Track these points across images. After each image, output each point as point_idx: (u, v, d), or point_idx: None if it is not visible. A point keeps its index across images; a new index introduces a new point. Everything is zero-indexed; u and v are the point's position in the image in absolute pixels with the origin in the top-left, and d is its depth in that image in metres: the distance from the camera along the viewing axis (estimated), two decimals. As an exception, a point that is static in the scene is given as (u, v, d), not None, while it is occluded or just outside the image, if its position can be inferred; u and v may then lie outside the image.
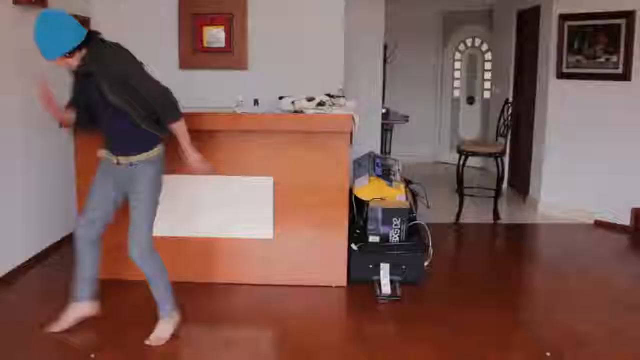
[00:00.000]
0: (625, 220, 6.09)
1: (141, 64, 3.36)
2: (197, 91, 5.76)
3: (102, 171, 3.59)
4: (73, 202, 4.46)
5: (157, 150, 3.48)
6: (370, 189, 4.65)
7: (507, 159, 7.24)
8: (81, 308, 3.68)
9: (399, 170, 5.26)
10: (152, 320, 3.85)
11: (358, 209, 4.82)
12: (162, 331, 3.59)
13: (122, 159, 3.43)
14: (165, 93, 3.37)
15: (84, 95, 3.41)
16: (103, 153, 3.54)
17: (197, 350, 3.52)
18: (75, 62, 3.24)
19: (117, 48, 3.30)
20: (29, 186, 4.71)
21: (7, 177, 4.42)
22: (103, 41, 3.31)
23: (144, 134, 3.38)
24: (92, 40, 3.24)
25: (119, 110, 3.27)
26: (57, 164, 5.08)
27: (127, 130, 3.36)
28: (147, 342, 3.53)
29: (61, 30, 3.16)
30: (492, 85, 8.99)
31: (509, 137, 6.87)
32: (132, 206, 3.53)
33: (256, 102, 4.79)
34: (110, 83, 3.22)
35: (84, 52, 3.22)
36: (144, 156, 3.42)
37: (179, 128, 3.43)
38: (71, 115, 3.52)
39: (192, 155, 3.52)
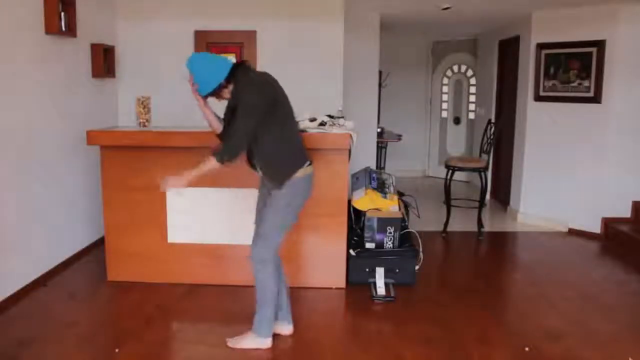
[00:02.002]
0: (596, 228, 6.13)
1: (258, 97, 3.13)
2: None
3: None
4: (99, 212, 4.50)
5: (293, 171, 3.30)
6: (366, 200, 4.68)
7: (489, 174, 7.27)
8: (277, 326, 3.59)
9: (392, 183, 5.28)
10: (171, 318, 3.90)
11: (355, 218, 4.84)
12: (243, 340, 3.45)
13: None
14: (234, 136, 3.13)
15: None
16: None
17: (207, 346, 3.53)
18: (226, 95, 3.22)
19: (252, 80, 3.18)
20: (61, 198, 4.75)
21: (41, 191, 4.46)
22: (247, 73, 3.20)
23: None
24: (238, 73, 3.16)
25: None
26: (87, 180, 5.14)
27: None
28: (228, 342, 3.46)
29: (201, 72, 3.14)
30: (476, 106, 9.02)
31: (492, 153, 6.90)
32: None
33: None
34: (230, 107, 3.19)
35: (230, 86, 3.18)
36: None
37: (208, 164, 3.17)
38: (219, 125, 3.42)
39: (176, 181, 3.31)
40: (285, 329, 3.62)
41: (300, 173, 3.28)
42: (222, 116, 3.41)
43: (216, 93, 3.21)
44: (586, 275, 4.95)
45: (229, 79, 3.15)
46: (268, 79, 3.25)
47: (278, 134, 3.24)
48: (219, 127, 3.44)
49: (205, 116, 3.40)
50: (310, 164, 3.36)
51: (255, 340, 3.43)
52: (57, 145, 4.69)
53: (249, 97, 3.10)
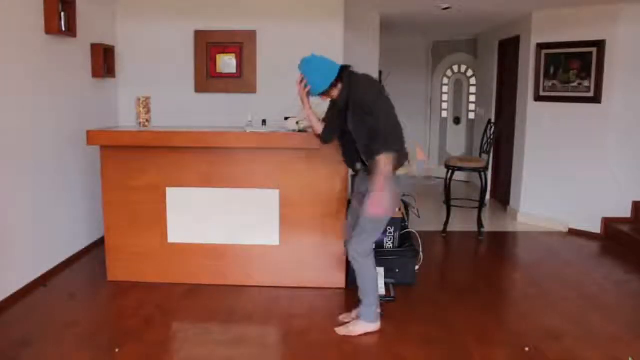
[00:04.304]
0: (596, 228, 6.13)
1: (380, 96, 3.37)
2: (210, 112, 5.85)
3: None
4: (99, 212, 4.50)
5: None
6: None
7: (489, 173, 7.28)
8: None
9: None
10: (171, 318, 3.90)
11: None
12: (354, 328, 3.64)
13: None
14: (390, 129, 3.36)
15: (337, 118, 3.58)
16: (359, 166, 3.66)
17: (209, 346, 3.52)
18: (334, 93, 3.43)
19: (361, 80, 3.39)
20: (61, 198, 4.75)
21: (41, 191, 4.46)
22: (351, 75, 3.40)
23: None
24: (345, 75, 3.38)
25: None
26: (87, 180, 5.14)
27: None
28: (337, 330, 3.65)
29: (314, 72, 3.39)
30: (476, 106, 9.04)
31: (492, 153, 6.91)
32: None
33: (264, 122, 4.82)
34: (351, 111, 3.37)
35: (339, 85, 3.39)
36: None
37: (386, 164, 3.30)
38: (320, 126, 3.71)
39: (379, 187, 3.34)
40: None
41: (401, 170, 3.48)
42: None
43: (327, 92, 3.43)
44: (586, 275, 4.95)
45: (338, 78, 3.38)
46: (375, 80, 3.51)
47: (396, 130, 3.43)
48: (319, 128, 3.72)
49: (308, 117, 3.71)
50: (409, 167, 3.57)
51: (366, 326, 3.64)
52: (57, 145, 4.69)
53: (369, 90, 3.35)
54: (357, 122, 3.42)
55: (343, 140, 3.68)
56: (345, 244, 3.84)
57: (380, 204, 3.36)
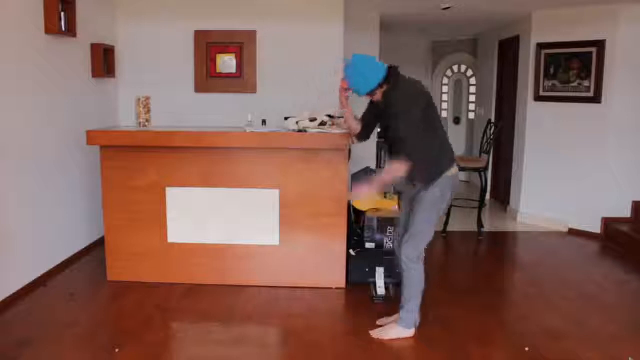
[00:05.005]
0: (596, 228, 6.13)
1: (412, 105, 3.33)
2: (210, 112, 5.85)
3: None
4: (99, 212, 4.50)
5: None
6: (366, 200, 4.68)
7: (489, 173, 7.28)
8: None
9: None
10: (171, 318, 3.90)
11: (356, 218, 4.84)
12: (390, 332, 3.63)
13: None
14: (414, 140, 3.33)
15: (377, 119, 3.64)
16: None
17: (208, 346, 3.53)
18: (378, 94, 3.41)
19: (400, 85, 3.38)
20: (61, 198, 4.75)
21: (41, 191, 4.46)
22: (397, 77, 3.39)
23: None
24: (392, 77, 3.37)
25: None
26: (87, 180, 5.14)
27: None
28: (372, 333, 3.65)
29: (360, 74, 3.37)
30: (476, 106, 9.03)
31: (492, 153, 6.91)
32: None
33: (264, 122, 4.83)
34: (393, 116, 3.36)
35: (384, 87, 3.38)
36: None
37: (395, 169, 3.39)
38: (358, 125, 3.72)
39: (377, 180, 3.51)
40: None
41: (449, 172, 3.47)
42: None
43: (372, 92, 3.40)
44: (586, 275, 4.95)
45: (385, 80, 3.36)
46: (420, 85, 3.47)
47: (427, 137, 3.39)
48: (357, 128, 3.74)
49: (346, 118, 3.73)
50: (456, 167, 3.55)
51: (401, 331, 3.61)
52: (57, 145, 4.68)
53: (405, 103, 3.32)
54: (388, 123, 3.46)
55: (386, 147, 3.72)
56: (393, 252, 3.84)
57: (361, 190, 3.52)
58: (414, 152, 3.33)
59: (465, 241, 6.02)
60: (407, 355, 3.41)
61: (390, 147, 3.61)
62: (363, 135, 3.78)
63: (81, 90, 5.11)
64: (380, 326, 3.74)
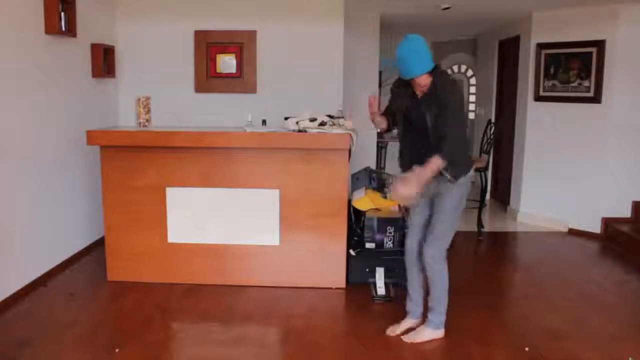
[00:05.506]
0: (596, 228, 6.12)
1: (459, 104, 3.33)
2: (210, 112, 5.84)
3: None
4: (99, 212, 4.50)
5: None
6: (366, 200, 4.67)
7: (489, 173, 7.28)
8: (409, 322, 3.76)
9: (392, 183, 5.27)
10: (171, 318, 3.90)
11: (355, 218, 4.83)
12: (421, 334, 3.60)
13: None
14: (456, 140, 3.28)
15: (406, 110, 3.48)
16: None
17: (208, 346, 3.53)
18: (424, 83, 3.30)
19: (448, 81, 3.34)
20: (61, 198, 4.75)
21: (41, 191, 4.46)
22: (443, 73, 3.38)
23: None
24: (439, 70, 3.32)
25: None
26: (87, 180, 5.14)
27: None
28: (404, 338, 3.60)
29: (416, 54, 3.23)
30: (476, 106, 9.03)
31: (492, 153, 6.91)
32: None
33: (264, 122, 4.82)
34: (435, 106, 3.27)
35: (429, 79, 3.29)
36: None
37: (435, 164, 3.22)
38: (382, 121, 3.59)
39: (412, 182, 3.25)
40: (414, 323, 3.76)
41: (471, 172, 3.49)
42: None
43: (421, 76, 3.27)
44: (586, 275, 4.95)
45: (432, 70, 3.29)
46: (461, 89, 3.52)
47: (463, 133, 3.43)
48: (384, 123, 3.60)
49: (375, 119, 3.58)
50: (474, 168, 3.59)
51: (432, 333, 3.60)
52: (57, 145, 4.68)
53: (455, 97, 3.30)
54: (435, 118, 3.31)
55: (406, 140, 3.57)
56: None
57: (406, 188, 3.23)
58: (454, 147, 3.25)
59: (465, 241, 6.02)
60: (407, 355, 3.40)
61: (411, 140, 3.50)
62: (392, 125, 3.63)
63: (81, 90, 5.11)
64: (391, 336, 3.66)
